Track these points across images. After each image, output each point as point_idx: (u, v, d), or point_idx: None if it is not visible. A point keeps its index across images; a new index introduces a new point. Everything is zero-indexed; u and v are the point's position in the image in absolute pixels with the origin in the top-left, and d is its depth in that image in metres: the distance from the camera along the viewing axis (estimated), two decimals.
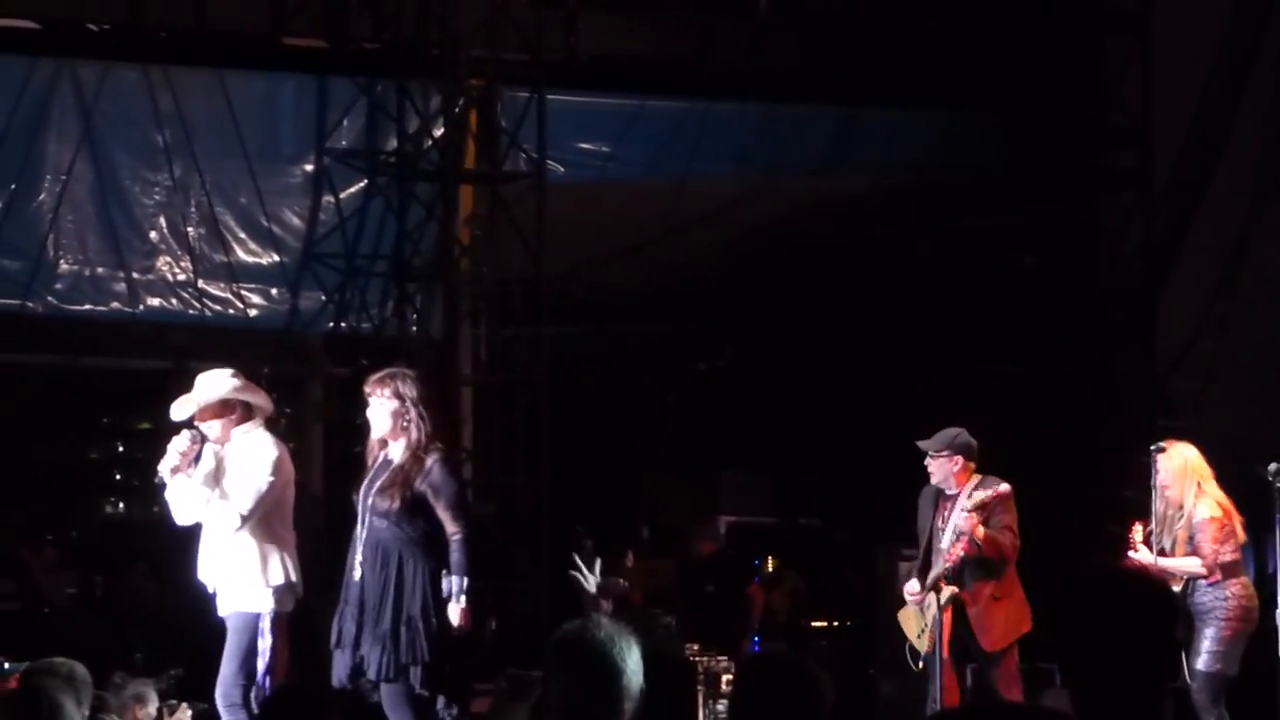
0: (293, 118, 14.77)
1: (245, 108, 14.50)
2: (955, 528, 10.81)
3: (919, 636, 11.05)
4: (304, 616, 10.07)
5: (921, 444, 11.00)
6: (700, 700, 12.68)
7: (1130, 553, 10.62)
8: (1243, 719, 10.73)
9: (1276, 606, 10.52)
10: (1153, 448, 10.76)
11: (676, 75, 15.45)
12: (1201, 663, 10.47)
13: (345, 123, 14.79)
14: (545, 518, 14.57)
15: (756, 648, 15.00)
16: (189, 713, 11.16)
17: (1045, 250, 16.29)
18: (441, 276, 14.71)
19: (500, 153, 14.88)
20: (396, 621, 9.27)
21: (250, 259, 14.67)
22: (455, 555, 9.29)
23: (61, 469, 18.74)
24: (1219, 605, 10.51)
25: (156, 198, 14.43)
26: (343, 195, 14.83)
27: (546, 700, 4.94)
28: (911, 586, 11.06)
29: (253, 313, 14.69)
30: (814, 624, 15.54)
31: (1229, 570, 10.55)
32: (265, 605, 9.44)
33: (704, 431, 17.73)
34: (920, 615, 11.04)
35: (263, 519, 9.46)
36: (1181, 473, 10.59)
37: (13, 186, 13.99)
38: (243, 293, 14.63)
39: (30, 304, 14.13)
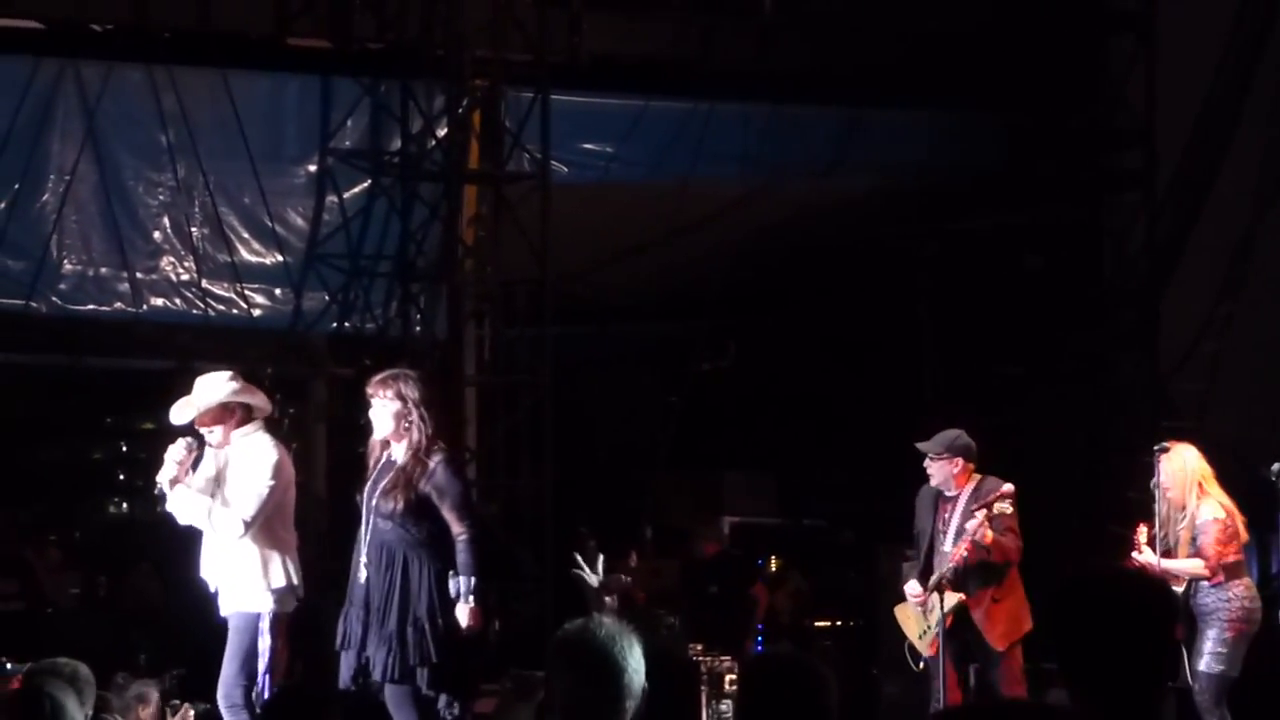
0: (297, 118, 14.78)
1: (249, 108, 14.51)
2: (957, 530, 10.80)
3: (920, 638, 11.03)
4: (307, 616, 10.08)
5: (921, 446, 10.96)
6: (703, 700, 12.70)
7: (1134, 554, 10.61)
8: None
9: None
10: (1155, 449, 10.76)
11: (680, 76, 15.45)
12: (1204, 664, 10.46)
13: (349, 123, 14.79)
14: (549, 518, 14.57)
15: (760, 648, 15.01)
16: (191, 713, 11.17)
17: (1048, 251, 16.30)
18: (445, 277, 14.71)
19: (504, 153, 14.88)
20: (403, 623, 9.25)
21: (254, 259, 14.67)
22: (462, 555, 9.26)
23: (65, 469, 18.75)
24: (1222, 606, 10.50)
25: (160, 198, 14.43)
26: (346, 195, 14.84)
27: (549, 700, 4.95)
28: (912, 588, 11.02)
29: (256, 313, 14.69)
30: (817, 624, 15.54)
31: (1232, 571, 10.55)
32: (265, 606, 9.45)
33: (707, 432, 17.70)
34: (922, 617, 11.02)
35: (264, 522, 9.47)
36: (1181, 474, 10.58)
37: (16, 187, 14.00)
38: (246, 293, 14.63)
39: (34, 304, 14.14)
